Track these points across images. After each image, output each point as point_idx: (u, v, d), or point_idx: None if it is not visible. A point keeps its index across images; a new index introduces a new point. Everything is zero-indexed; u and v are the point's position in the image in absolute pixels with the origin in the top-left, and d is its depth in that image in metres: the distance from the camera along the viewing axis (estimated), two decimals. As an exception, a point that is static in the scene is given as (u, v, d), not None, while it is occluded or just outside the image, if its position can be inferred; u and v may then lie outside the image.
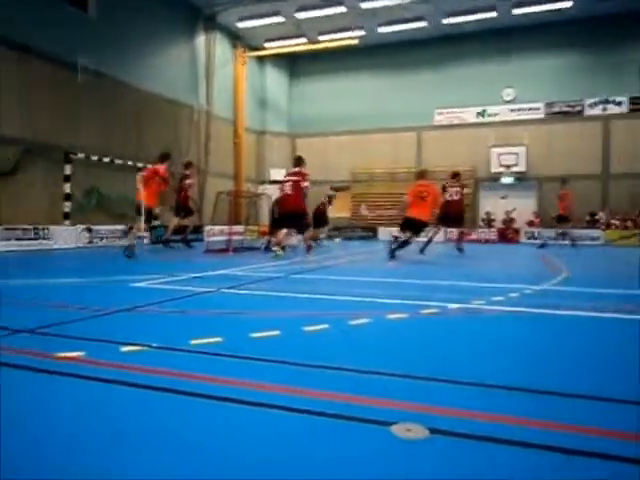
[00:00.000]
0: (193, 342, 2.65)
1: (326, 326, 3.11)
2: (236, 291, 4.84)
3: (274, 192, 16.85)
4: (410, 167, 24.11)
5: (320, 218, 15.14)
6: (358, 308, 3.89)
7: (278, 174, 24.06)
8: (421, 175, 10.35)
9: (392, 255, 9.25)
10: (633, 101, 21.26)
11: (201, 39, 20.41)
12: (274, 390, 1.95)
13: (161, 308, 3.83)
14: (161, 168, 9.42)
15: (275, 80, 25.84)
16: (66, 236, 12.79)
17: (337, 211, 24.52)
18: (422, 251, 10.45)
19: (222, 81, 21.60)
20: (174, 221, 12.11)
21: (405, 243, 9.47)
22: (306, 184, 9.72)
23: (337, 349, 2.65)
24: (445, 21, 21.38)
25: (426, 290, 5.09)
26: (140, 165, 16.41)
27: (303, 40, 22.82)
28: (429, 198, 9.37)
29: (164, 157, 9.88)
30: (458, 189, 11.60)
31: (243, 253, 10.82)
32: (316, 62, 25.26)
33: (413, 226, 9.23)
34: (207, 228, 16.18)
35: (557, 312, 3.78)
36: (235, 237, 12.81)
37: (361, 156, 24.60)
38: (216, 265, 7.54)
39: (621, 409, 1.81)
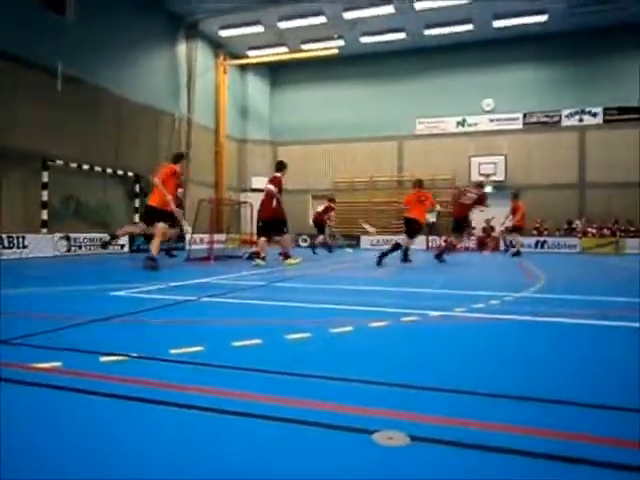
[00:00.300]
0: (173, 351, 2.62)
1: (308, 334, 3.11)
2: (217, 300, 4.81)
3: (256, 200, 16.85)
4: (392, 176, 24.32)
5: (320, 226, 16.20)
6: (340, 316, 3.90)
7: (260, 182, 24.03)
8: (418, 184, 10.99)
9: (379, 262, 9.73)
10: (607, 112, 21.78)
11: (182, 47, 20.37)
12: (255, 399, 1.94)
13: (141, 317, 3.78)
14: (177, 168, 8.63)
15: (257, 88, 25.89)
16: (43, 245, 12.57)
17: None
18: (438, 257, 11.38)
19: (203, 89, 21.58)
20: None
21: (395, 248, 10.17)
22: (269, 187, 9.45)
23: (319, 357, 2.64)
24: (425, 32, 21.70)
25: (407, 298, 5.12)
26: (120, 173, 16.26)
27: (284, 49, 22.94)
28: (426, 202, 10.40)
29: (178, 157, 9.01)
30: (472, 195, 11.51)
31: (225, 262, 10.76)
32: (298, 71, 25.41)
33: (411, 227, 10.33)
34: (188, 237, 16.06)
35: (537, 319, 3.83)
36: (217, 245, 12.76)
37: (342, 165, 24.74)
38: (197, 274, 7.49)
39: (605, 414, 1.83)
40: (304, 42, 22.54)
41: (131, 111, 16.98)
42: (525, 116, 22.75)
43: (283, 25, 20.72)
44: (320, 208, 16.76)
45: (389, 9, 19.48)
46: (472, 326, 3.61)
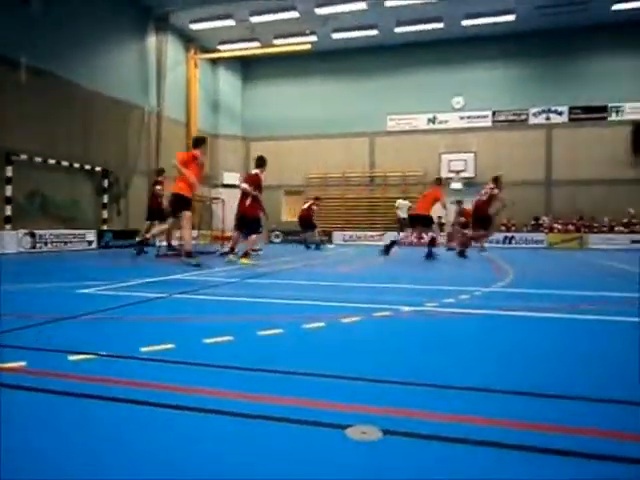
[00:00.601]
0: (144, 349, 2.58)
1: (280, 330, 3.10)
2: (188, 296, 4.75)
3: (228, 196, 16.73)
4: (364, 172, 24.43)
5: (306, 223, 16.42)
6: (312, 312, 3.90)
7: (232, 178, 23.85)
8: (437, 182, 11.67)
9: (386, 252, 10.79)
10: (573, 111, 22.35)
11: (152, 39, 20.00)
12: (227, 396, 1.92)
13: (110, 315, 3.71)
14: (197, 153, 8.22)
15: (228, 83, 25.64)
16: (7, 241, 12.21)
17: (290, 215, 24.57)
18: (461, 253, 11.69)
19: (174, 83, 21.25)
20: (154, 225, 11.57)
21: (394, 243, 10.95)
22: (244, 186, 9.29)
23: (291, 353, 2.64)
24: (397, 30, 21.83)
25: (379, 293, 5.16)
26: (88, 167, 15.90)
27: (256, 44, 22.78)
28: (429, 196, 10.94)
29: (199, 141, 8.51)
30: (487, 191, 11.73)
31: (197, 258, 10.62)
32: (270, 66, 25.26)
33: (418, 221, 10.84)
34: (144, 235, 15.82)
35: (506, 312, 3.91)
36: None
37: (315, 160, 24.73)
38: (168, 270, 7.38)
39: (574, 405, 1.88)
40: (276, 37, 22.43)
41: (100, 105, 16.61)
42: (494, 114, 23.14)
43: (255, 20, 20.56)
44: (306, 205, 16.91)
45: (361, 5, 19.52)
46: (443, 321, 3.66)
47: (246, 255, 9.15)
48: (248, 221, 9.20)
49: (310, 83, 25.10)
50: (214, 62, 24.52)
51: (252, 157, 22.27)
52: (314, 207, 16.76)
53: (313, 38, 22.31)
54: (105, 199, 16.69)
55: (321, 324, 3.32)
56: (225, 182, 24.01)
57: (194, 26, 21.18)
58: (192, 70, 22.41)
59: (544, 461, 1.42)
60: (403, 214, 22.33)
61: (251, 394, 1.94)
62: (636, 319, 3.64)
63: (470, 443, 1.51)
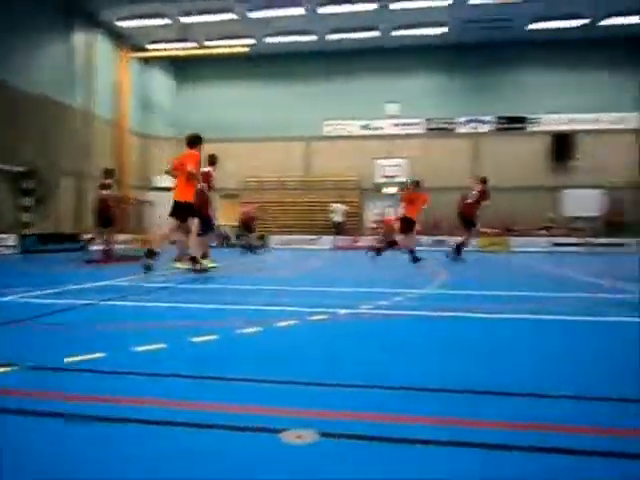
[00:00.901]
0: (69, 360, 2.46)
1: (215, 336, 3.05)
2: (119, 303, 4.58)
3: (160, 199, 16.30)
4: (300, 176, 24.53)
5: (246, 227, 16.68)
6: (248, 316, 3.87)
7: (164, 181, 23.21)
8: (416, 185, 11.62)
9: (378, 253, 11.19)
10: (498, 121, 23.59)
11: (81, 36, 19.13)
12: (159, 405, 1.87)
13: (34, 323, 3.51)
14: (197, 154, 7.58)
15: (162, 83, 24.99)
16: None
17: (226, 219, 24.21)
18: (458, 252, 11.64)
19: (105, 81, 20.43)
20: (104, 232, 10.89)
21: (390, 245, 11.21)
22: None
23: (226, 359, 2.60)
24: (333, 37, 22.15)
25: (315, 296, 5.19)
26: (14, 170, 14.98)
27: (191, 44, 22.34)
28: (418, 201, 10.96)
29: (196, 140, 7.76)
30: (476, 192, 11.82)
31: (129, 262, 10.25)
32: (206, 68, 24.87)
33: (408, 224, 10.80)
34: (87, 236, 15.13)
35: (439, 313, 4.04)
36: (120, 246, 12.12)
37: (252, 164, 24.55)
38: (98, 276, 7.08)
39: (501, 400, 1.97)
40: (212, 39, 22.12)
41: (24, 102, 15.67)
42: (426, 122, 23.95)
43: (188, 20, 20.17)
44: (246, 209, 17.16)
45: (298, 11, 19.64)
46: (378, 322, 3.74)
47: (180, 259, 8.74)
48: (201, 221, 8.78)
49: (247, 86, 24.95)
50: (147, 62, 23.81)
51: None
52: (255, 212, 17.14)
53: (250, 41, 22.18)
54: (28, 201, 15.75)
55: (256, 329, 3.30)
56: (157, 185, 23.32)
57: (123, 23, 20.48)
58: (123, 69, 21.63)
59: (475, 456, 1.48)
60: (338, 218, 22.61)
61: (184, 401, 1.90)
62: (563, 317, 3.89)
63: (405, 442, 1.56)
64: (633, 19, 20.83)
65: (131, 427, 1.68)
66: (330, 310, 4.04)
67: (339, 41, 22.77)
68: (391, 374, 2.33)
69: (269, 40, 22.50)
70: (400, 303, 4.59)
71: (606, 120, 23.20)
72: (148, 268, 7.18)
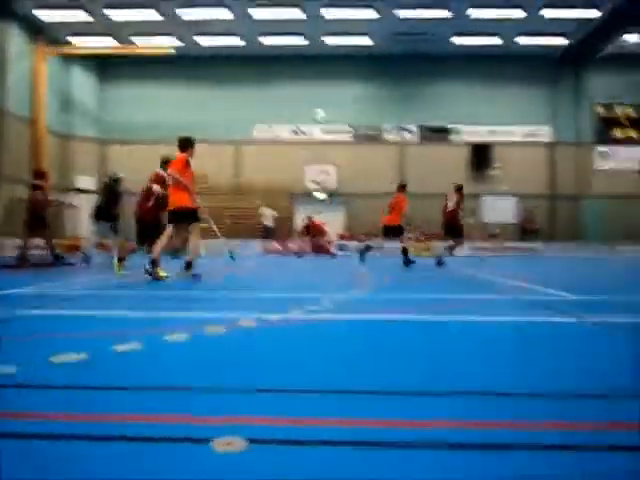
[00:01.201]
0: (-24, 373, 2.27)
1: (139, 345, 2.93)
2: (35, 312, 4.29)
3: (82, 202, 15.49)
4: (229, 180, 24.22)
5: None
6: (174, 323, 3.75)
7: (85, 182, 22.13)
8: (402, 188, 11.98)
9: (362, 259, 11.43)
10: (422, 130, 24.55)
11: (-9, 27, 17.92)
12: (80, 419, 1.77)
13: None
14: (187, 156, 7.47)
15: (83, 81, 23.87)
16: None
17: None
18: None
19: (19, 76, 19.20)
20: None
21: (368, 248, 11.44)
22: (154, 186, 8.76)
23: (151, 368, 2.51)
24: (262, 41, 22.14)
25: (245, 302, 5.13)
26: None
27: (114, 42, 21.52)
28: (397, 207, 11.27)
29: (189, 142, 7.66)
30: (455, 199, 12.04)
31: (49, 268, 9.66)
32: (132, 67, 24.03)
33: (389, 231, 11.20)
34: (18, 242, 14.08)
35: (368, 317, 4.12)
36: (38, 251, 11.38)
37: (179, 167, 23.95)
38: (11, 283, 6.61)
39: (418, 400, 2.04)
40: (137, 37, 21.42)
41: None
42: (354, 129, 24.45)
43: (111, 14, 19.42)
44: None
45: (227, 14, 19.46)
46: (307, 327, 3.75)
47: (121, 261, 8.34)
48: (149, 226, 8.38)
49: (176, 87, 24.36)
50: (67, 58, 22.65)
51: (111, 160, 20.90)
52: None
53: (177, 42, 21.70)
54: None
55: (182, 336, 3.21)
56: (78, 186, 22.19)
57: (42, 16, 19.38)
58: (40, 64, 20.45)
59: (408, 457, 1.52)
60: (268, 222, 22.54)
61: (107, 414, 1.81)
62: (482, 318, 4.08)
63: (335, 445, 1.57)
64: (543, 40, 22.45)
65: (43, 443, 1.57)
66: (259, 315, 4.01)
67: (268, 46, 22.79)
68: (317, 378, 2.34)
69: (198, 41, 22.11)
70: (329, 307, 4.63)
71: (520, 133, 24.75)
72: (157, 278, 7.03)
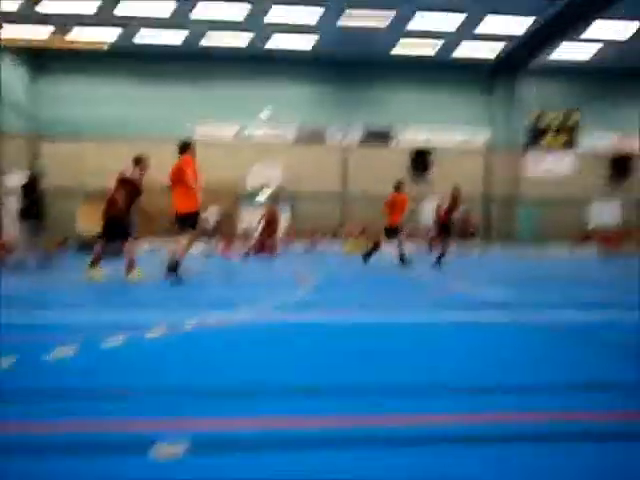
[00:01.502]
0: None
1: (72, 349, 2.82)
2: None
3: (9, 200, 14.63)
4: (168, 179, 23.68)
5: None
6: (106, 327, 3.62)
7: (14, 180, 20.96)
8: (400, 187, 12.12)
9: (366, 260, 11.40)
10: (364, 133, 24.98)
11: None
12: (7, 430, 1.69)
13: None
14: (190, 159, 7.65)
15: (11, 74, 22.58)
16: None
17: (87, 223, 22.56)
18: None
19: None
20: None
21: (375, 249, 11.58)
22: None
23: (84, 372, 2.42)
24: (204, 39, 21.80)
25: (181, 304, 5.03)
26: None
27: (47, 36, 20.53)
28: (396, 207, 11.44)
29: (183, 146, 7.92)
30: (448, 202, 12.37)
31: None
32: (68, 61, 23.03)
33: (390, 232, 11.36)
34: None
35: (305, 319, 4.13)
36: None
37: (119, 164, 23.15)
38: None
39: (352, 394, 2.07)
40: (70, 30, 20.53)
41: None
42: (297, 129, 24.52)
43: (46, 3, 18.52)
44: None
45: (166, 12, 19.03)
46: (238, 330, 3.71)
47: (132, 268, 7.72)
48: (122, 225, 7.93)
49: (115, 83, 23.52)
50: (-6, 47, 21.39)
51: (44, 157, 19.94)
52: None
53: (114, 37, 20.98)
54: None
55: (121, 339, 3.11)
56: (6, 184, 20.97)
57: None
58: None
59: (346, 454, 1.54)
60: (212, 223, 22.15)
61: (35, 423, 1.73)
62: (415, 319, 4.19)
63: (278, 445, 1.57)
64: (479, 49, 23.38)
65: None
66: (202, 317, 3.94)
67: (213, 44, 22.45)
68: (250, 380, 2.33)
69: (138, 36, 21.46)
70: (264, 309, 4.61)
71: (458, 138, 25.63)
72: (177, 281, 6.90)
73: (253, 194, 23.50)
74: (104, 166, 23.04)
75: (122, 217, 8.01)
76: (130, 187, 8.29)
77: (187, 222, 7.30)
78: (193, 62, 23.59)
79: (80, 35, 20.72)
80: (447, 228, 12.46)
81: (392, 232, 11.53)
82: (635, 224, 25.70)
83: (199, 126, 23.83)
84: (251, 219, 23.19)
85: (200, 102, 23.72)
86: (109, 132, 23.02)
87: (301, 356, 2.84)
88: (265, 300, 5.12)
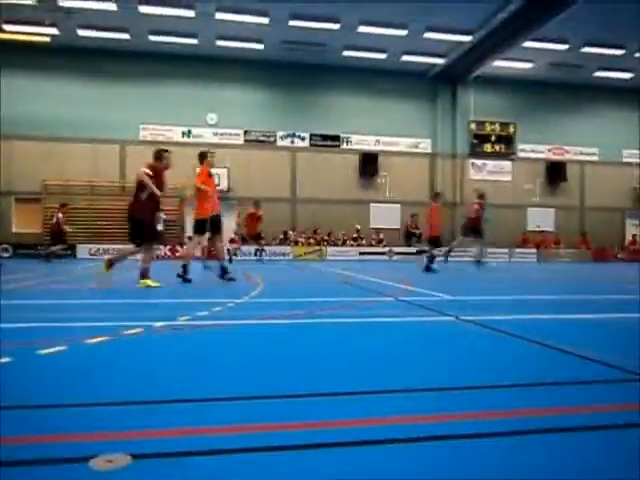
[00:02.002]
0: None
1: (8, 359, 2.68)
2: None
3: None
4: (113, 181, 22.91)
5: (58, 235, 16.04)
6: (51, 334, 3.47)
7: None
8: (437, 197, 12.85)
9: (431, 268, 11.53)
10: (313, 137, 25.07)
11: None
12: None
13: None
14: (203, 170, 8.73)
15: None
16: None
17: (24, 226, 21.52)
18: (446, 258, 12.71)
19: None
20: None
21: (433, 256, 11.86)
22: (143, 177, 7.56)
23: (23, 385, 2.30)
24: (151, 38, 21.29)
25: (129, 310, 4.90)
26: None
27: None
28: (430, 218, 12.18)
29: (200, 156, 9.03)
30: (476, 207, 13.05)
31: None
32: (5, 55, 21.83)
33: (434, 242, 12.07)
34: None
35: (257, 322, 4.11)
36: None
37: (55, 165, 22.22)
38: None
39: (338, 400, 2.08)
40: (10, 22, 19.56)
41: None
42: (245, 133, 24.33)
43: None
44: (60, 216, 16.00)
45: (110, 6, 18.46)
46: (197, 334, 3.66)
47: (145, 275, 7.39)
48: (145, 227, 7.51)
49: (52, 80, 22.56)
50: None
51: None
52: (60, 215, 15.85)
53: (54, 31, 20.14)
54: None
55: (60, 348, 2.98)
56: None
57: None
58: None
59: (283, 459, 1.54)
60: (158, 226, 21.63)
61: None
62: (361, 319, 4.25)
63: (222, 453, 1.55)
64: (423, 59, 24.05)
65: None
66: (145, 323, 3.84)
67: (156, 43, 21.96)
68: (205, 387, 2.30)
69: (77, 33, 20.69)
70: (219, 313, 4.56)
71: (405, 144, 26.22)
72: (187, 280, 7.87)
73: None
74: (35, 167, 22.06)
75: (147, 220, 7.62)
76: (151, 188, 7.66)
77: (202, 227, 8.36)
78: (138, 60, 22.98)
79: (19, 27, 19.75)
80: (478, 230, 13.20)
81: (436, 242, 12.18)
82: (567, 229, 27.18)
83: (143, 127, 23.23)
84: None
85: (145, 102, 23.13)
86: (44, 131, 22.04)
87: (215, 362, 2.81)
88: (204, 305, 5.05)
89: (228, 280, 8.13)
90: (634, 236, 27.15)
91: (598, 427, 1.78)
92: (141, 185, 7.50)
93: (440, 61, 24.30)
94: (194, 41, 21.61)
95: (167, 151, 7.94)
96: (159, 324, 3.86)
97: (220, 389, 2.24)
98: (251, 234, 16.45)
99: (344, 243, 23.79)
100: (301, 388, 2.26)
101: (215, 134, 23.95)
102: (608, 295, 7.10)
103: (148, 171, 7.46)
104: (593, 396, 2.17)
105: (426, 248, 12.51)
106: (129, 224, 7.61)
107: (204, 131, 23.84)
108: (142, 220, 7.47)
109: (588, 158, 27.88)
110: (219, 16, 19.44)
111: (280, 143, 24.70)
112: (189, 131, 23.72)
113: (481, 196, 13.69)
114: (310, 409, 1.98)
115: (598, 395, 2.19)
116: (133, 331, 3.56)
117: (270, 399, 2.10)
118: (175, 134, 23.61)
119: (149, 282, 7.30)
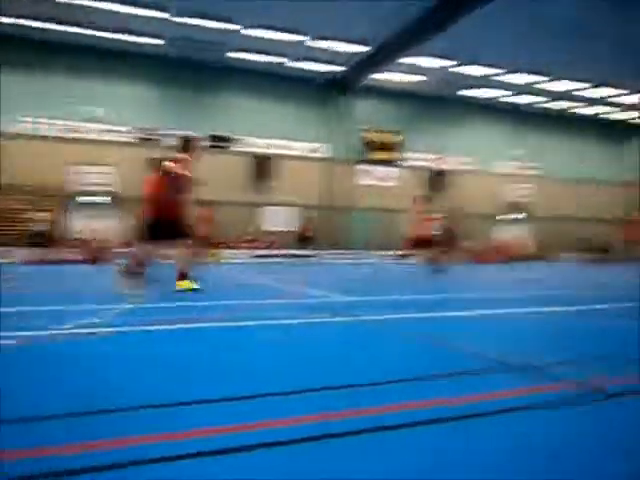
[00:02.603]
0: None
1: None
2: None
3: None
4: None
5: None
6: None
7: None
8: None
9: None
10: (212, 138, 24.73)
11: None
12: None
13: None
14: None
15: None
16: None
17: None
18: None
19: None
20: None
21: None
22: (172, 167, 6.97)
23: None
24: (19, 21, 19.72)
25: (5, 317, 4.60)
26: None
27: None
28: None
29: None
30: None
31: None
32: None
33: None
34: None
35: (163, 327, 4.08)
36: None
37: None
38: None
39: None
40: None
41: None
42: (135, 130, 23.33)
43: None
44: None
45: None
46: (93, 341, 3.56)
47: (184, 276, 6.82)
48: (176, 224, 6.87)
49: None
50: None
51: None
52: None
53: None
54: None
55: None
56: None
57: None
58: None
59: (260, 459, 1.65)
60: (41, 227, 19.98)
61: None
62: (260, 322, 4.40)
63: (171, 460, 1.60)
64: (316, 66, 24.71)
65: None
66: (25, 333, 3.67)
67: (34, 29, 20.37)
68: (119, 394, 2.31)
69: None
70: (110, 318, 4.45)
71: (300, 148, 26.69)
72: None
73: (84, 196, 21.75)
74: None
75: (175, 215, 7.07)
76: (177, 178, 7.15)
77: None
78: (14, 46, 21.07)
79: None
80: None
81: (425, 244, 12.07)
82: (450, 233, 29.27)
83: (19, 120, 21.38)
84: (85, 225, 21.45)
85: (22, 94, 21.27)
86: None
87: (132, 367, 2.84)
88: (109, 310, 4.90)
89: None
90: (502, 241, 29.88)
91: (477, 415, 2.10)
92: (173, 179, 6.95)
93: (333, 69, 25.08)
94: (79, 29, 20.28)
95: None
96: (39, 332, 3.69)
97: (135, 396, 2.26)
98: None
99: (238, 246, 23.63)
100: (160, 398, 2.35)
101: (101, 130, 22.66)
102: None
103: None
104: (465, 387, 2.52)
105: (414, 252, 12.59)
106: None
107: (88, 126, 22.46)
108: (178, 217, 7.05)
109: (467, 167, 30.31)
110: (108, 6, 18.46)
111: (171, 142, 23.98)
112: (69, 126, 22.17)
113: (427, 199, 13.69)
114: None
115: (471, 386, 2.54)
116: (5, 342, 3.39)
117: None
118: (54, 129, 21.95)
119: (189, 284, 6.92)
